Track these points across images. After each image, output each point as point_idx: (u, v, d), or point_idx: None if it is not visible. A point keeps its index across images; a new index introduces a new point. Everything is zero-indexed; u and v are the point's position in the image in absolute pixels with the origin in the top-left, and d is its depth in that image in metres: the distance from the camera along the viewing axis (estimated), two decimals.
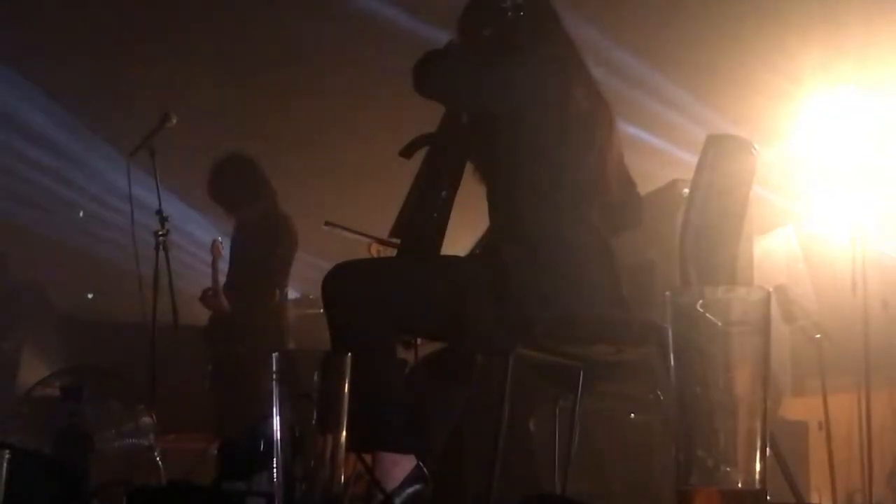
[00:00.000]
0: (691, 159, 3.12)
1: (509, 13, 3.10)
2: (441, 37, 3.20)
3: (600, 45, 6.52)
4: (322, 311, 3.00)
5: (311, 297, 7.10)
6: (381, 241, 4.28)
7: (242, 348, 5.92)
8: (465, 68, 3.07)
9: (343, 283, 2.96)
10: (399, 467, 2.85)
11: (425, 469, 2.87)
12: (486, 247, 3.15)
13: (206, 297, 6.23)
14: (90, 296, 8.52)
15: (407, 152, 3.07)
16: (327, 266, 3.01)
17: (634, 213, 3.35)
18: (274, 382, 1.69)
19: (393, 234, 3.11)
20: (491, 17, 3.15)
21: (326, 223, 5.19)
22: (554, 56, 3.07)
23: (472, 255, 3.27)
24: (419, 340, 3.29)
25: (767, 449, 1.51)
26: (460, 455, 3.34)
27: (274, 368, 1.69)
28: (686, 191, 3.30)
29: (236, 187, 6.11)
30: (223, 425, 5.86)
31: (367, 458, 2.67)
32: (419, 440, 2.94)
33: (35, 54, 7.71)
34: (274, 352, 1.71)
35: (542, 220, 2.98)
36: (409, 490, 2.82)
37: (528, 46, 3.09)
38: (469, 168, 3.15)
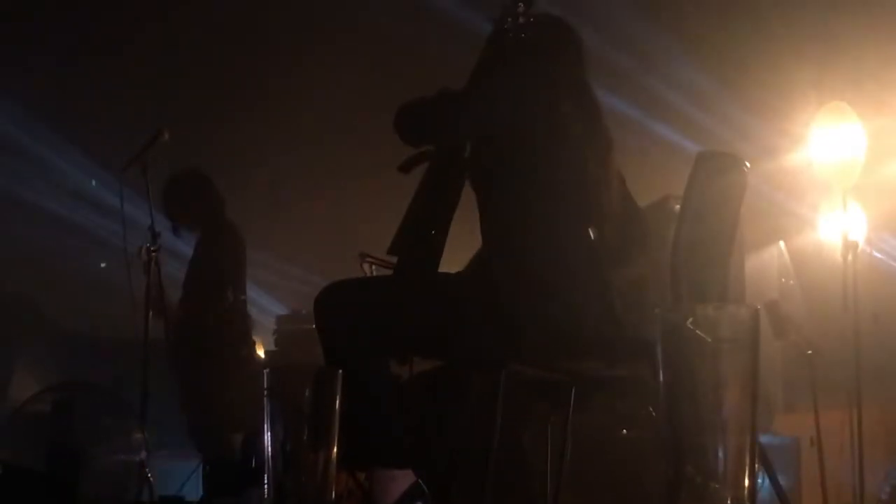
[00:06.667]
0: (683, 175, 3.12)
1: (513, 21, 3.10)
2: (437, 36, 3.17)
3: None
4: (313, 327, 3.00)
5: (303, 312, 7.07)
6: (374, 260, 4.22)
7: (212, 358, 5.76)
8: (437, 114, 3.06)
9: (336, 302, 2.96)
10: (396, 483, 2.84)
11: (424, 485, 2.87)
12: (477, 262, 3.16)
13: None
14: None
15: (406, 168, 3.07)
16: (317, 280, 3.01)
17: (637, 232, 3.34)
18: (266, 398, 1.69)
19: (391, 251, 3.10)
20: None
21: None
22: (544, 74, 3.07)
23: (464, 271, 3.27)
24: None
25: (757, 465, 1.51)
26: (455, 471, 3.34)
27: (265, 384, 1.69)
28: (677, 207, 3.30)
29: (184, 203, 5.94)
30: (203, 441, 5.78)
31: (361, 474, 2.67)
32: (415, 456, 2.93)
33: (23, 68, 7.71)
34: (265, 367, 1.70)
35: (533, 238, 2.98)
36: None
37: (518, 63, 3.08)
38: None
